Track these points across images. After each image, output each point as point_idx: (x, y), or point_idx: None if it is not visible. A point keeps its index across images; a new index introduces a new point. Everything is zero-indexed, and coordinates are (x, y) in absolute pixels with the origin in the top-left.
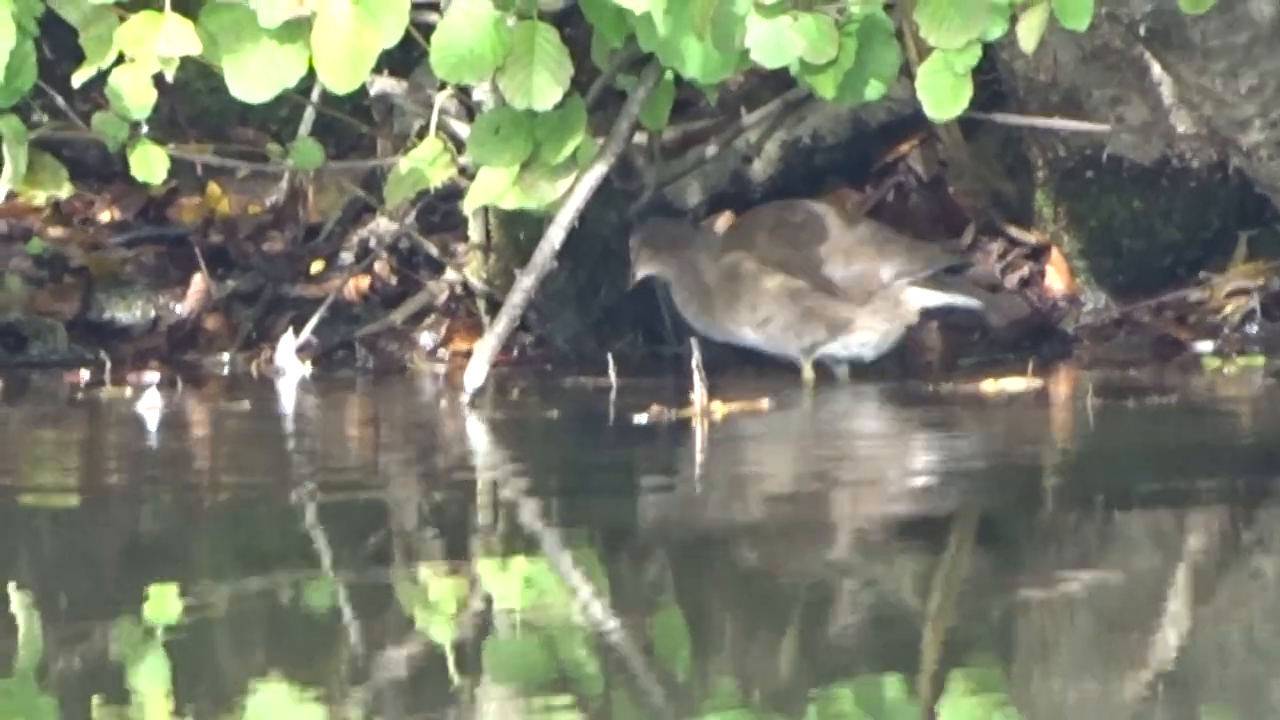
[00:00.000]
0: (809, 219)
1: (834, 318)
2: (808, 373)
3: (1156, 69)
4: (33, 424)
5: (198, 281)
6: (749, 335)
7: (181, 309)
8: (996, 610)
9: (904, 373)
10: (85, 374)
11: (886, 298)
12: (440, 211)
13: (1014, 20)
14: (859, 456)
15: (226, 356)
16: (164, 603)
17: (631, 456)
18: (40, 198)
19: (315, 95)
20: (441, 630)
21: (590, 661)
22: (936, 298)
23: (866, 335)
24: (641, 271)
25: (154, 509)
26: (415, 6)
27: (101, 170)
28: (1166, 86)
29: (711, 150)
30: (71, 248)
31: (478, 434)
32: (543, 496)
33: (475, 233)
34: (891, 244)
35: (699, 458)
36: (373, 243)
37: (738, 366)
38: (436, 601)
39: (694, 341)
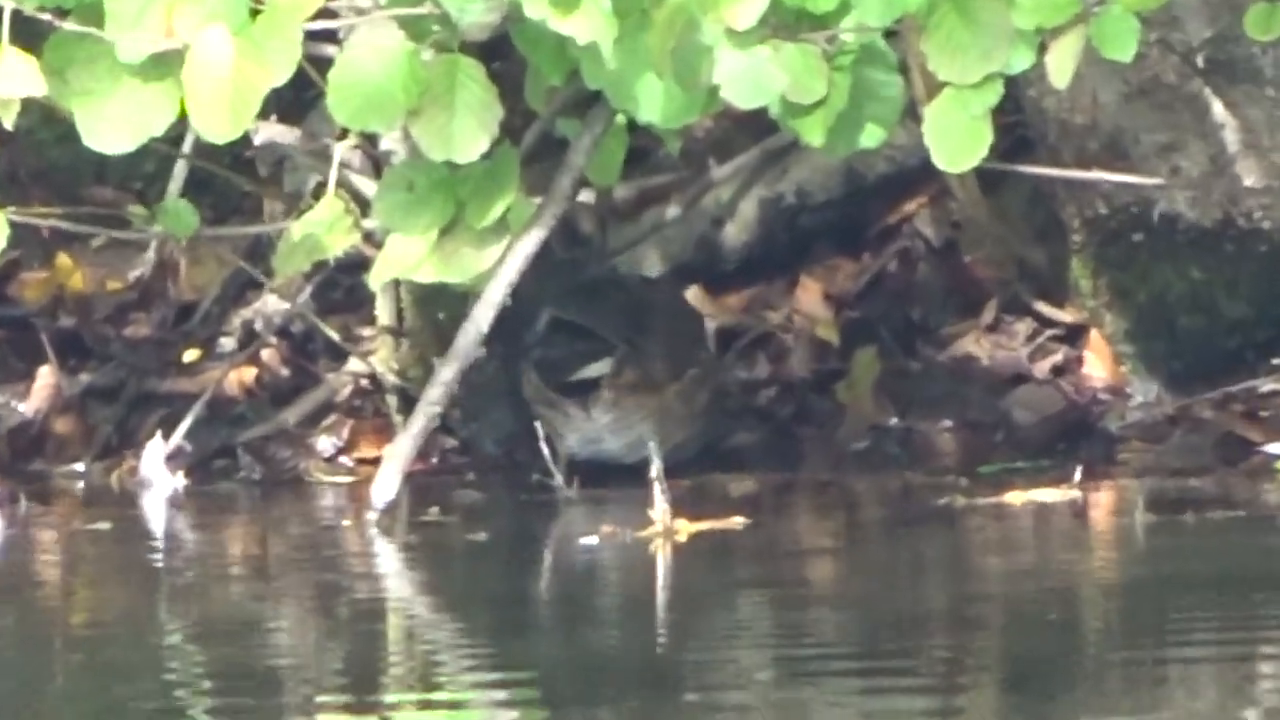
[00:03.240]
0: None
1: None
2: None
3: (1218, 108)
4: None
5: (45, 374)
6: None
7: (25, 408)
8: None
9: (912, 481)
10: None
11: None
12: (342, 287)
13: (1043, 49)
14: (853, 594)
15: (81, 466)
16: None
17: (575, 588)
18: None
19: (187, 146)
20: None
21: None
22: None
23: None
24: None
25: None
26: (309, 37)
27: None
28: (1230, 130)
29: (674, 211)
30: None
31: (388, 561)
32: (467, 639)
33: (384, 313)
34: None
35: (659, 592)
36: (259, 326)
37: (707, 472)
38: None
39: (652, 446)
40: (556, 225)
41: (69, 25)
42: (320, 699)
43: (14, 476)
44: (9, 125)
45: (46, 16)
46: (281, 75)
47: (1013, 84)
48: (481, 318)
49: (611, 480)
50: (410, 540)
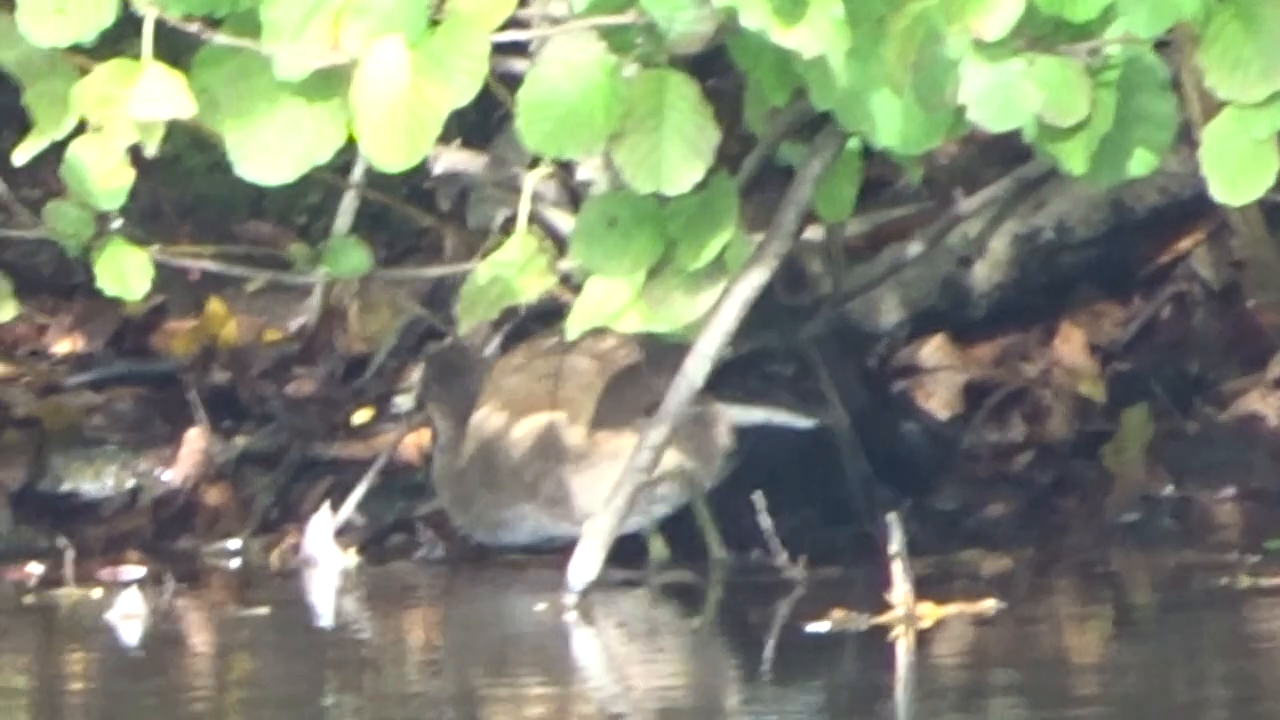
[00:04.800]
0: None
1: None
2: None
3: None
4: None
5: (193, 437)
6: (527, 518)
7: (171, 477)
8: None
9: (1189, 559)
10: (36, 568)
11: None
12: (533, 336)
13: None
14: (1122, 695)
15: (235, 543)
16: None
17: (804, 682)
18: None
19: (357, 175)
20: None
21: None
22: (752, 414)
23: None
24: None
25: None
26: (497, 50)
27: (57, 282)
28: None
29: (915, 249)
30: (15, 391)
31: (589, 653)
32: None
33: None
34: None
35: (897, 691)
36: None
37: (956, 549)
38: None
39: (893, 518)
40: (780, 266)
41: (221, 37)
42: None
43: (159, 555)
44: (152, 152)
45: (195, 27)
46: (465, 94)
47: None
48: (695, 372)
49: (844, 557)
50: (613, 627)
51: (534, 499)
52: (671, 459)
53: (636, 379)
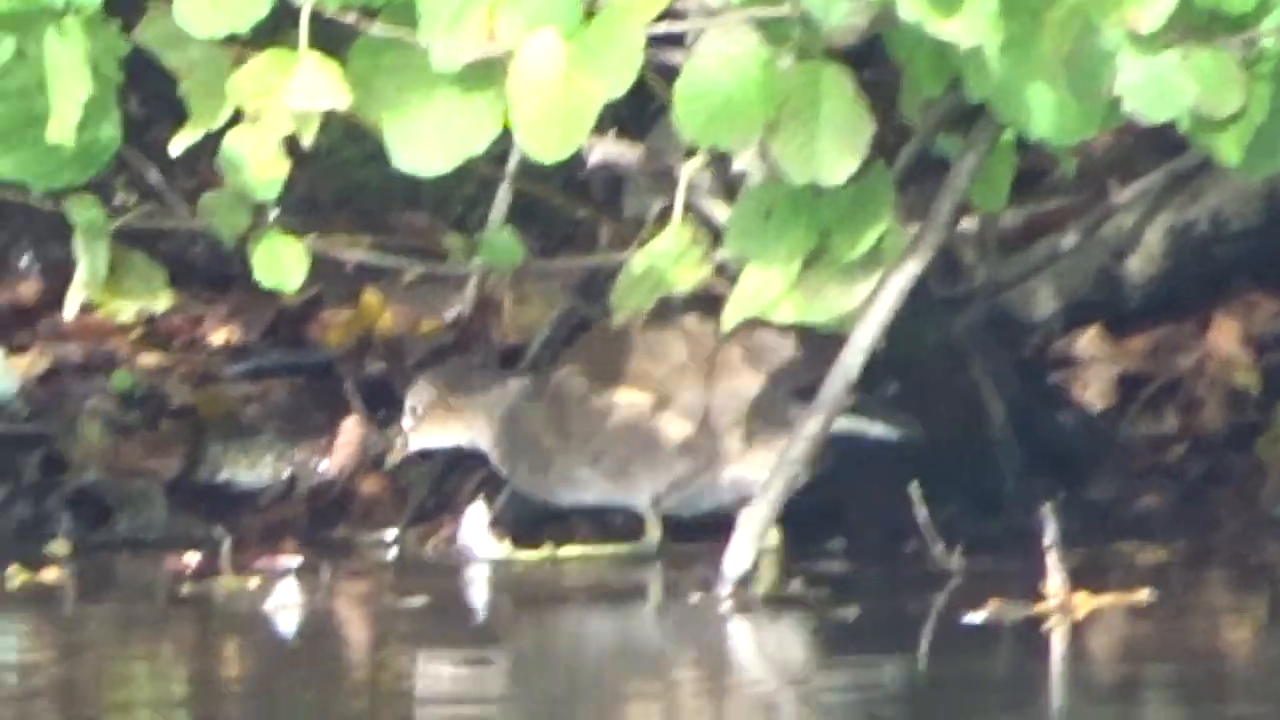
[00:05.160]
0: (666, 323)
1: (695, 449)
2: (652, 530)
3: None
4: (118, 631)
5: (349, 428)
6: (587, 481)
7: (327, 467)
8: None
9: None
10: (192, 558)
11: (770, 422)
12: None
13: None
14: (1278, 689)
15: (391, 533)
16: None
17: (961, 672)
18: (128, 312)
19: (512, 166)
20: None
21: None
22: (840, 424)
23: (742, 474)
24: (420, 441)
25: None
26: (652, 42)
27: (213, 273)
28: None
29: (1069, 241)
30: (172, 381)
31: (742, 645)
32: None
33: None
34: (776, 352)
35: (1053, 680)
36: None
37: (1110, 540)
38: None
39: (1048, 509)
40: (934, 257)
41: (377, 29)
42: None
43: (314, 545)
44: (308, 143)
45: (351, 18)
46: (620, 86)
47: None
48: (850, 363)
49: (999, 548)
50: (768, 619)
51: (598, 465)
52: (751, 457)
53: (728, 364)
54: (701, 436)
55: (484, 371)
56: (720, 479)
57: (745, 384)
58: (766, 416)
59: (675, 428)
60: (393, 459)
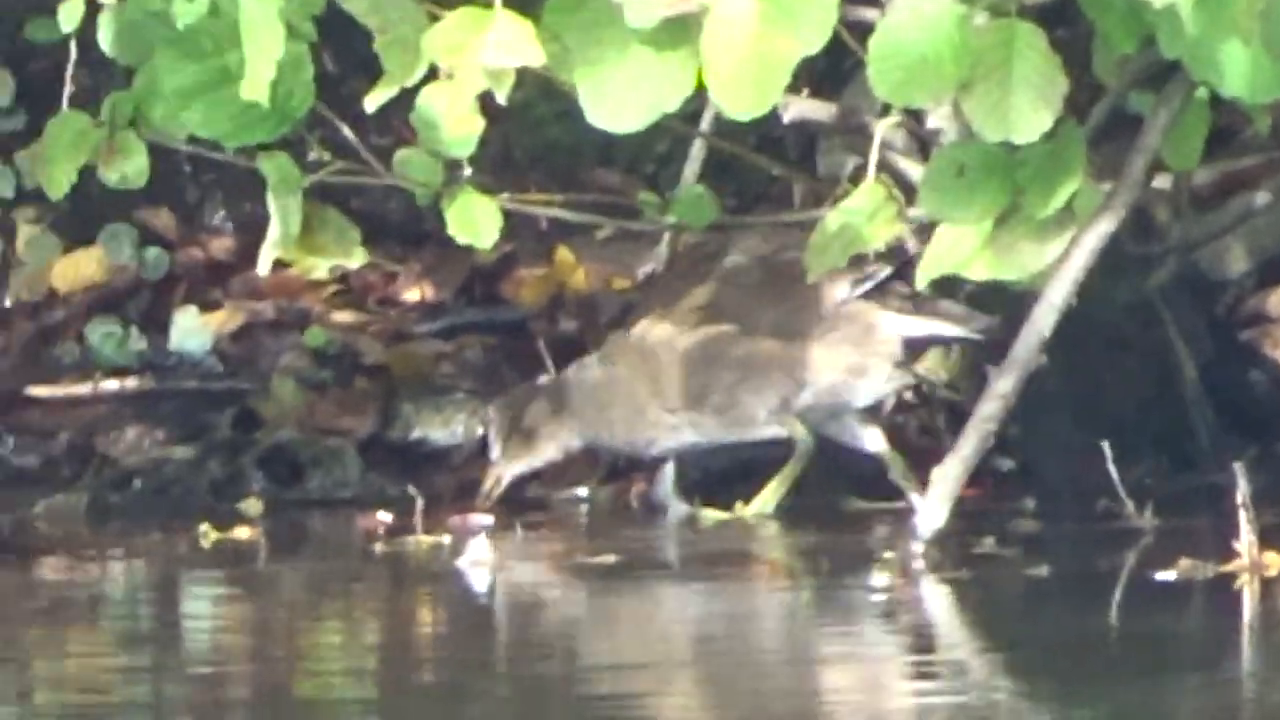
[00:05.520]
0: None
1: (789, 361)
2: (797, 429)
3: None
4: (312, 589)
5: None
6: (695, 423)
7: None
8: None
9: None
10: (385, 517)
11: (851, 324)
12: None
13: None
14: None
15: (584, 490)
16: None
17: (1150, 632)
18: (321, 269)
19: (706, 124)
20: None
21: None
22: (918, 325)
23: (850, 375)
24: (514, 469)
25: None
26: (847, 0)
27: (407, 231)
28: None
29: (1263, 199)
30: (365, 339)
31: (935, 601)
32: (1028, 697)
33: None
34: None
35: (1244, 636)
36: None
37: None
38: None
39: (1239, 467)
40: (1127, 215)
41: None
42: None
43: (509, 503)
44: (503, 100)
45: None
46: (814, 43)
47: None
48: (1043, 321)
49: (1190, 506)
50: (961, 576)
51: (701, 408)
52: (830, 373)
53: (802, 285)
54: (795, 349)
55: (544, 383)
56: (824, 386)
57: (821, 292)
58: (851, 319)
59: (768, 346)
60: (491, 494)
